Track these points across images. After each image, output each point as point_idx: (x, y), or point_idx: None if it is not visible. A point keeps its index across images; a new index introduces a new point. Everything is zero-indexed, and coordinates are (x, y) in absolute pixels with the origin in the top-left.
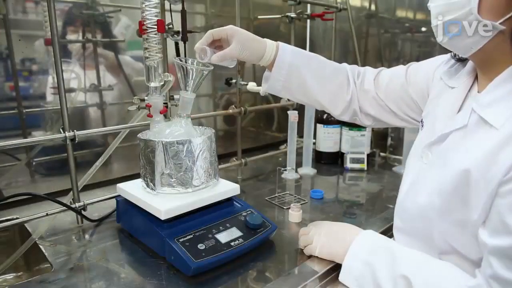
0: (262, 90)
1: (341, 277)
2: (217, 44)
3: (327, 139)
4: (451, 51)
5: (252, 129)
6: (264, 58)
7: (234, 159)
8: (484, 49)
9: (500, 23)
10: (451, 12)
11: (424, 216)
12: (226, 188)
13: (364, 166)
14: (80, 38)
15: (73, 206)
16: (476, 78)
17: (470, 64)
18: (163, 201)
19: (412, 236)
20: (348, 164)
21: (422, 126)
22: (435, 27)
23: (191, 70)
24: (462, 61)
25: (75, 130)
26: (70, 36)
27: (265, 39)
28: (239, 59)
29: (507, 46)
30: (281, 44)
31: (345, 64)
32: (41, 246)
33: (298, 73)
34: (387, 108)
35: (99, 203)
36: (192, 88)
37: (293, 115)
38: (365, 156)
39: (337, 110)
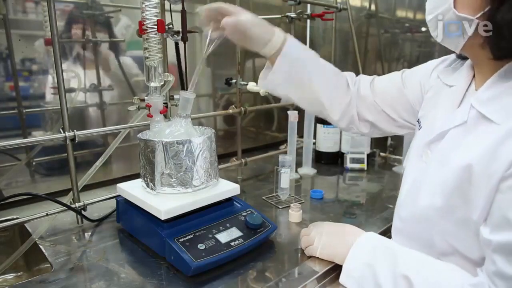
0: (259, 84)
1: (342, 279)
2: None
3: (327, 139)
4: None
5: (252, 129)
6: (270, 43)
7: (234, 159)
8: (470, 45)
9: (477, 18)
10: (436, 9)
11: (425, 217)
12: (226, 188)
13: (364, 166)
14: (80, 38)
15: (73, 206)
16: (473, 76)
17: (468, 62)
18: (163, 201)
19: (412, 237)
20: (348, 164)
21: (420, 126)
22: (428, 23)
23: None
24: (463, 58)
25: (75, 130)
26: (70, 36)
27: (274, 26)
28: (246, 37)
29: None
30: (289, 36)
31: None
32: (41, 246)
33: (304, 67)
34: (384, 114)
35: (99, 203)
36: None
37: (293, 115)
38: (365, 156)
39: (335, 114)
